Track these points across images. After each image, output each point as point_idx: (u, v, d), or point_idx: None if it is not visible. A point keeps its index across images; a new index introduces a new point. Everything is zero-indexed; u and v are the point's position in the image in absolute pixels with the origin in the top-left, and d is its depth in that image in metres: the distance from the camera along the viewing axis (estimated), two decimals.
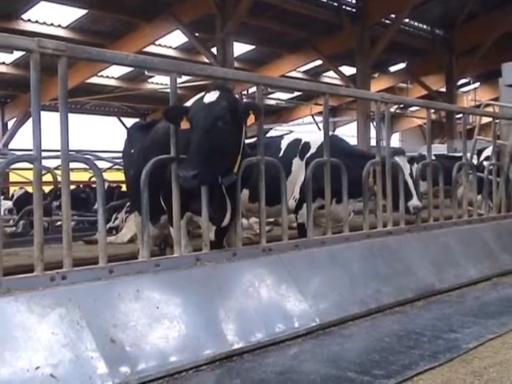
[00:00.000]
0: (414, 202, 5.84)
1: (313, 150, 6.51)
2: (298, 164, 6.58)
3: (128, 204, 10.19)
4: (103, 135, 25.01)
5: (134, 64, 4.35)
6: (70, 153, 3.80)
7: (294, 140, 6.81)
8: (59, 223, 11.00)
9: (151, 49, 19.85)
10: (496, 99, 9.79)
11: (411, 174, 6.14)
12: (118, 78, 24.09)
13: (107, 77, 23.54)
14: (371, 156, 6.24)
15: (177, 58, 19.77)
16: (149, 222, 4.15)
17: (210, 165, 4.01)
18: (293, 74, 24.54)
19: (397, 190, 5.92)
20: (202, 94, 4.48)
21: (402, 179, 5.95)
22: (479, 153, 9.88)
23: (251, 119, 4.30)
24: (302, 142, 6.73)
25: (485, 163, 8.26)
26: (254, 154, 4.79)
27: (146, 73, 20.35)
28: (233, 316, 3.94)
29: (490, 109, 10.16)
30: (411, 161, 6.41)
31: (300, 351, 3.89)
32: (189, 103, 4.67)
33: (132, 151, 5.78)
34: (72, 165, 4.01)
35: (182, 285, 3.95)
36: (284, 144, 6.83)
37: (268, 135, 8.02)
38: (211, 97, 4.14)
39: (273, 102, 29.40)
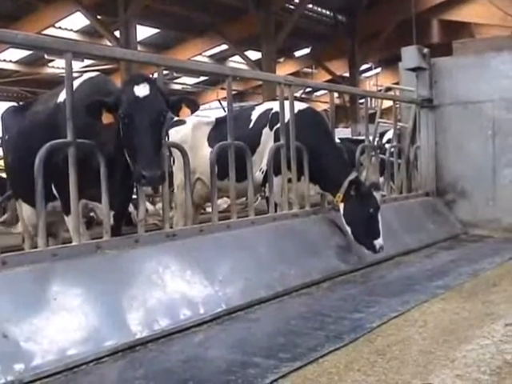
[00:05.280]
0: (381, 241, 5.64)
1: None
2: (267, 134, 6.33)
3: None
4: None
5: (25, 43, 4.07)
6: None
7: (264, 110, 6.53)
8: None
9: (51, 31, 19.08)
10: (397, 84, 9.97)
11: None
12: (16, 62, 23.07)
13: (4, 60, 22.49)
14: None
15: (78, 41, 19.11)
16: (44, 210, 3.92)
17: (162, 160, 4.03)
18: (198, 58, 24.31)
19: (366, 224, 5.68)
20: (89, 76, 4.36)
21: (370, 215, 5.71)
22: (381, 135, 10.10)
23: (185, 112, 4.26)
24: (273, 110, 6.39)
25: (387, 145, 8.43)
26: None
27: (46, 56, 19.56)
28: (136, 305, 3.82)
29: (391, 93, 10.37)
30: None
31: (205, 338, 3.82)
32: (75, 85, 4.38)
33: (7, 137, 5.50)
34: None
35: (81, 274, 3.80)
36: (255, 115, 6.57)
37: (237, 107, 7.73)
38: (143, 90, 3.89)
39: (179, 87, 29.06)
